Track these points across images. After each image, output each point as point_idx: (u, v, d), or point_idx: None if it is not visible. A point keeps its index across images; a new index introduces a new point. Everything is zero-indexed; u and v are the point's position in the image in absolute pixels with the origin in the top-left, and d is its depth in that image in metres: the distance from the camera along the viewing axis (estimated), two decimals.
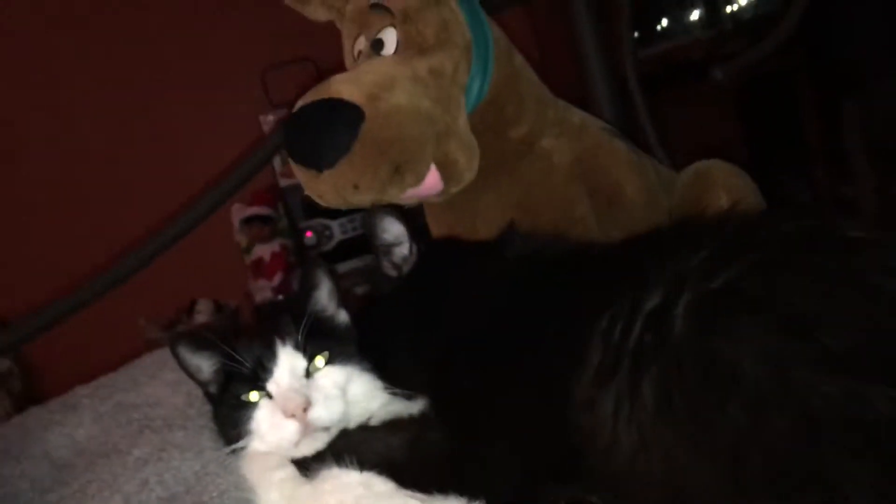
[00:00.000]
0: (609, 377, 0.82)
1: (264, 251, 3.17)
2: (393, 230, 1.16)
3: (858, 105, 2.75)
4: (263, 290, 3.16)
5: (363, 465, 0.97)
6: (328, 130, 1.10)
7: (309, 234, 3.16)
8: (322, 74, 1.17)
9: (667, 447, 0.76)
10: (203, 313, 3.14)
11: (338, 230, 3.17)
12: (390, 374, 1.10)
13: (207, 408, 1.15)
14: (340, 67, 1.18)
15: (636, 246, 0.98)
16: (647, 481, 0.79)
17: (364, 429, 1.06)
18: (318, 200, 1.16)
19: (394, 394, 1.09)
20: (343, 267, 2.91)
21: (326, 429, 1.03)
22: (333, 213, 3.15)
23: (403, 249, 1.17)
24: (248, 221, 3.17)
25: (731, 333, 0.74)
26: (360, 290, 1.63)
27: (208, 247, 3.02)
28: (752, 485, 0.70)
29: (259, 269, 3.17)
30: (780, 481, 0.69)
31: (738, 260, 0.78)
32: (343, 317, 1.18)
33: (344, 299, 1.20)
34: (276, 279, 3.15)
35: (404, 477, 0.96)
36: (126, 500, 1.01)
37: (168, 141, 3.34)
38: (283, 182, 3.17)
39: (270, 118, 3.12)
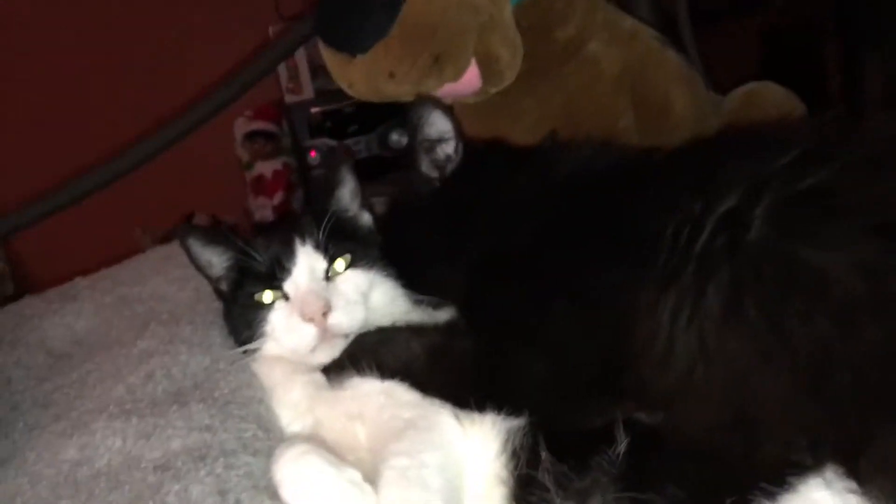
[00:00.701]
0: (671, 281, 0.75)
1: (266, 168, 3.07)
2: (440, 125, 1.04)
3: (881, 58, 2.69)
4: (263, 209, 3.08)
5: (383, 371, 0.91)
6: (365, 11, 1.02)
7: (313, 153, 3.05)
8: None
9: (732, 357, 0.71)
10: None
11: None
12: (418, 281, 1.02)
13: (217, 305, 1.09)
14: None
15: (704, 148, 0.90)
16: (704, 395, 0.73)
17: (385, 329, 0.99)
18: (347, 90, 1.09)
19: (419, 301, 1.02)
20: None
21: (345, 335, 0.97)
22: (339, 134, 3.05)
23: (448, 148, 1.06)
24: (250, 137, 3.06)
25: (819, 238, 0.68)
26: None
27: (209, 160, 2.95)
28: (837, 400, 0.65)
29: (259, 186, 3.08)
30: (869, 399, 0.64)
31: (831, 160, 0.71)
32: (366, 219, 1.11)
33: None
34: (277, 198, 3.06)
35: (426, 385, 0.90)
36: (130, 392, 0.94)
37: (175, 52, 3.21)
38: (290, 98, 3.05)
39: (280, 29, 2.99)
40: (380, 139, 3.03)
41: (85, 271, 1.45)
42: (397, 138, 2.93)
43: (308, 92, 3.01)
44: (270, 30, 3.00)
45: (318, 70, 3.00)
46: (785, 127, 0.89)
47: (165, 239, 2.95)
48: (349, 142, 3.07)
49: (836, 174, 0.70)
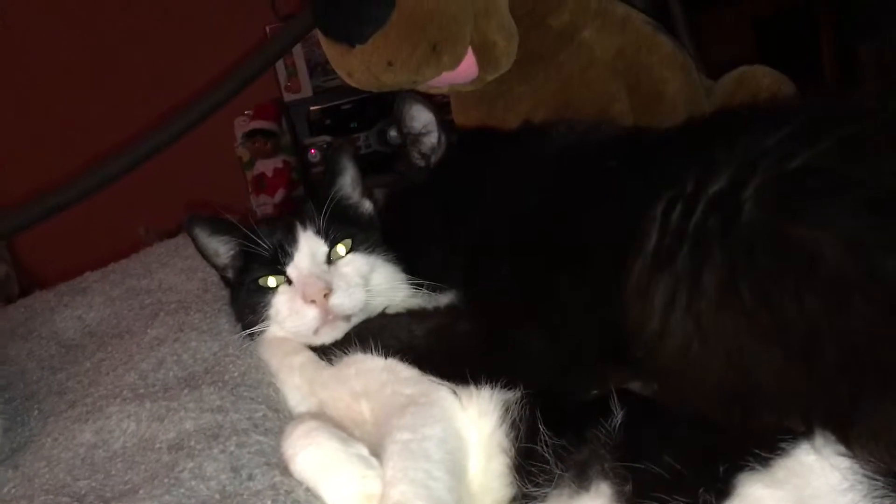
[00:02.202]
0: (665, 262, 0.77)
1: (266, 166, 3.09)
2: (421, 118, 1.10)
3: (875, 50, 2.69)
4: (265, 206, 3.10)
5: (385, 351, 0.94)
6: (362, 1, 1.03)
7: (313, 151, 3.08)
8: None
9: (727, 334, 0.72)
10: None
11: None
12: (418, 266, 1.05)
13: (224, 293, 1.11)
14: None
15: (696, 128, 0.92)
16: (700, 370, 0.75)
17: (386, 315, 1.02)
18: (346, 79, 1.11)
19: (419, 286, 1.04)
20: None
21: (347, 317, 0.99)
22: (338, 132, 3.07)
23: (432, 139, 1.11)
24: (250, 135, 3.08)
25: (810, 216, 0.69)
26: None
27: (210, 160, 2.97)
28: (828, 373, 0.67)
29: (260, 184, 3.10)
30: (858, 371, 0.65)
31: (821, 138, 0.72)
32: (367, 206, 1.14)
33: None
34: (278, 195, 3.07)
35: (426, 364, 0.92)
36: (142, 377, 0.97)
37: (173, 54, 3.23)
38: (288, 97, 3.08)
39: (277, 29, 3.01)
40: (378, 135, 3.05)
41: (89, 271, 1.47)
42: (396, 134, 2.94)
43: (307, 90, 3.03)
44: (267, 29, 3.02)
45: (316, 68, 3.03)
46: (774, 106, 0.90)
47: (168, 237, 2.99)
48: (349, 138, 3.10)
49: (824, 152, 0.71)
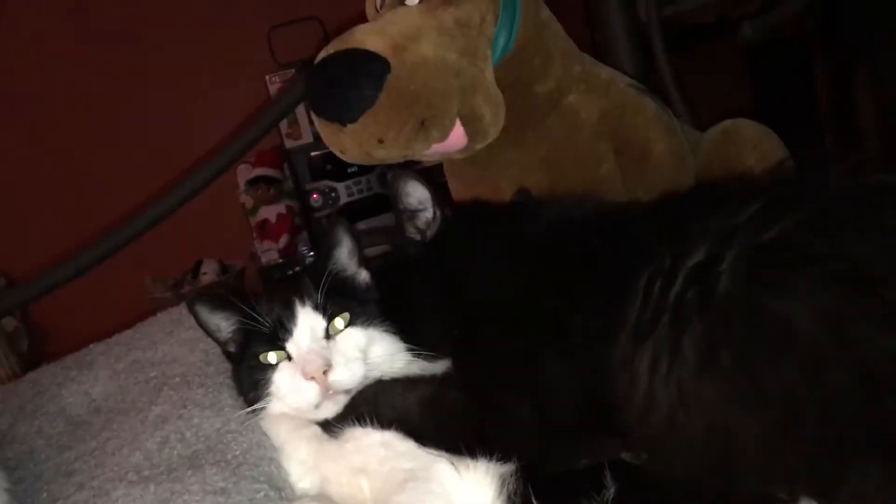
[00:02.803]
0: (646, 334, 0.80)
1: (270, 213, 3.14)
2: (417, 194, 1.13)
3: (870, 71, 2.71)
4: (269, 252, 3.14)
5: (380, 421, 0.96)
6: (352, 83, 1.06)
7: (315, 196, 3.12)
8: (329, 33, 1.14)
9: (709, 403, 0.75)
10: (209, 274, 3.12)
11: (344, 193, 3.13)
12: (414, 336, 1.07)
13: (226, 366, 1.14)
14: (347, 26, 1.13)
15: (673, 204, 0.95)
16: (685, 439, 0.77)
17: (381, 382, 1.04)
18: (340, 156, 1.13)
19: (416, 356, 1.06)
20: None
21: (347, 391, 1.01)
22: (339, 176, 3.11)
23: (427, 214, 1.14)
24: (253, 182, 3.13)
25: (783, 288, 0.72)
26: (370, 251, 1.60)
27: (214, 208, 3.00)
28: (807, 441, 0.69)
29: (264, 230, 3.14)
30: (837, 438, 0.68)
31: (790, 213, 0.75)
32: (364, 276, 1.16)
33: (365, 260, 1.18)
34: (282, 241, 3.12)
35: (420, 433, 0.94)
36: (147, 457, 0.99)
37: (174, 102, 3.29)
38: (289, 144, 3.13)
39: (276, 78, 3.06)
40: (379, 178, 3.09)
41: (97, 321, 1.50)
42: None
43: (307, 136, 3.08)
44: (267, 78, 3.07)
45: None
46: (749, 180, 0.93)
47: (175, 286, 3.03)
48: (350, 182, 3.14)
49: (797, 226, 0.75)
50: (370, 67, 1.05)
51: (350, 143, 1.09)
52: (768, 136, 1.33)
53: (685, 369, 0.76)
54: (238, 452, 0.97)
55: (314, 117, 1.11)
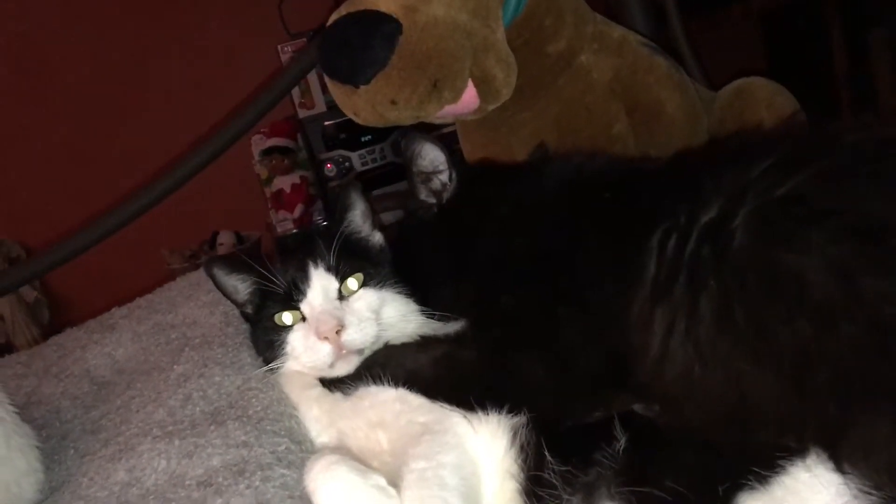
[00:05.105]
0: (664, 291, 0.81)
1: (284, 183, 3.15)
2: (431, 156, 1.13)
3: (886, 34, 2.69)
4: (284, 222, 3.16)
5: (394, 381, 0.98)
6: (364, 44, 1.07)
7: (329, 165, 3.13)
8: (340, 2, 1.14)
9: (725, 358, 0.76)
10: (225, 245, 3.14)
11: (357, 162, 3.14)
12: (428, 298, 1.09)
13: (245, 326, 1.16)
14: None
15: (686, 160, 0.96)
16: (702, 392, 0.79)
17: (394, 346, 1.06)
18: (353, 118, 1.14)
19: (430, 317, 1.08)
20: None
21: (360, 351, 1.03)
22: (353, 145, 3.12)
23: (443, 177, 1.14)
24: (267, 153, 3.13)
25: (795, 243, 0.73)
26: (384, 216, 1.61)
27: (229, 179, 3.02)
28: (818, 394, 0.70)
29: (279, 200, 3.15)
30: (847, 390, 0.69)
31: (803, 168, 0.75)
32: (378, 238, 1.17)
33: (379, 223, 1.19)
34: (297, 211, 3.13)
35: (433, 392, 0.96)
36: (171, 414, 1.01)
37: (187, 73, 3.30)
38: (303, 113, 3.13)
39: (288, 48, 3.06)
40: (393, 146, 3.09)
41: (115, 293, 1.52)
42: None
43: (320, 106, 3.08)
44: (279, 48, 3.07)
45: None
46: (761, 136, 0.93)
47: (192, 258, 3.05)
48: (363, 151, 3.15)
49: (809, 181, 0.75)
50: (382, 28, 1.05)
51: (363, 104, 1.10)
52: (782, 94, 1.33)
53: (702, 327, 0.77)
54: (259, 408, 0.99)
55: (327, 80, 1.12)
